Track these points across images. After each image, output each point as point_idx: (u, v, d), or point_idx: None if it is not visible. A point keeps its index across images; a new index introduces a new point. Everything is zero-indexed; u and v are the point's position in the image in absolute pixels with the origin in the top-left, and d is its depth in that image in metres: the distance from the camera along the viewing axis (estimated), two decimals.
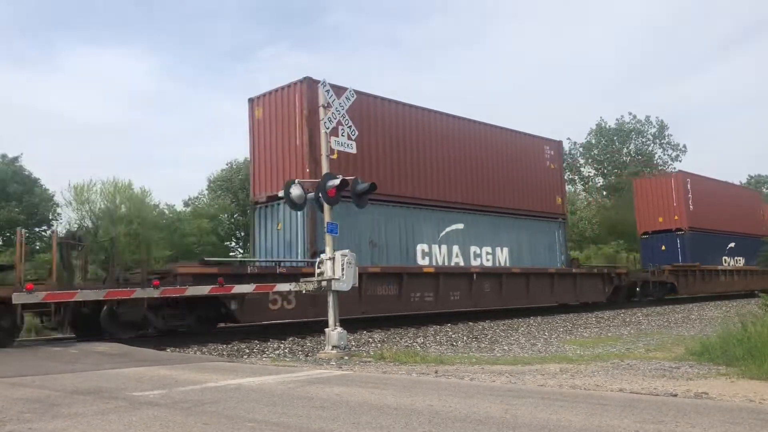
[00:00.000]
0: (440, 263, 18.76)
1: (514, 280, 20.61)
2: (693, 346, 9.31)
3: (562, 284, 22.61)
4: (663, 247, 30.38)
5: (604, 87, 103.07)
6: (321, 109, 11.45)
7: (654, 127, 58.99)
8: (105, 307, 12.42)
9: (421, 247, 18.33)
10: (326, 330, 10.77)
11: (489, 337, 14.89)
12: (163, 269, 14.22)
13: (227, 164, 54.37)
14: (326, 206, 11.13)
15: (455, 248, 19.33)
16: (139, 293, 11.87)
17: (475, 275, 19.27)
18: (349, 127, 11.75)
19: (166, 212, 44.28)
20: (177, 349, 11.70)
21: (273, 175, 16.97)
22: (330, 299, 10.82)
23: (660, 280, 27.55)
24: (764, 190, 61.81)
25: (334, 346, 10.47)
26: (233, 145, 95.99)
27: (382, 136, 17.72)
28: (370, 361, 9.46)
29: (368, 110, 17.30)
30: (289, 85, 16.79)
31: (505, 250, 20.93)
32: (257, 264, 15.12)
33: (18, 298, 10.40)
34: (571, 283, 23.10)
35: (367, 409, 4.89)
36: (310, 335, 13.87)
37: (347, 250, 10.92)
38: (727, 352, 8.00)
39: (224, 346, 12.44)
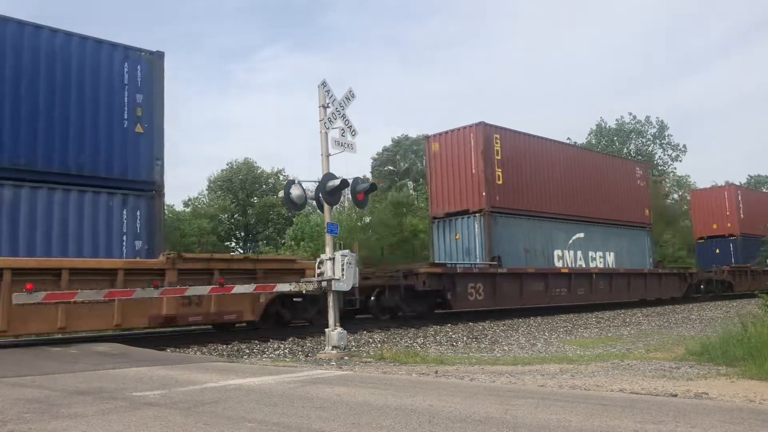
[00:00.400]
0: (570, 265, 23.60)
1: (619, 278, 25.43)
2: (693, 346, 9.31)
3: (652, 282, 27.38)
4: (717, 251, 34.90)
5: (604, 87, 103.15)
6: (321, 110, 11.44)
7: (654, 127, 59.08)
8: (372, 297, 17.17)
9: (557, 252, 23.24)
10: (326, 330, 10.77)
11: (489, 337, 14.88)
12: (407, 268, 18.50)
13: (227, 164, 54.36)
14: (326, 206, 11.13)
15: (579, 253, 24.25)
16: (138, 293, 11.87)
17: (594, 275, 24.09)
18: (350, 127, 11.72)
19: (166, 212, 44.29)
20: (177, 349, 11.70)
21: (450, 196, 21.87)
22: (330, 299, 10.82)
23: (721, 279, 31.66)
24: (764, 189, 61.78)
25: (334, 347, 10.47)
26: (233, 145, 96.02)
27: (528, 165, 22.57)
28: (370, 362, 9.46)
29: (518, 145, 22.33)
30: (464, 128, 21.71)
31: (612, 254, 25.86)
32: (460, 265, 19.85)
33: (17, 299, 10.39)
34: (657, 281, 27.80)
35: (367, 410, 4.88)
36: (310, 335, 13.88)
37: (347, 251, 10.93)
38: (727, 352, 8.00)
39: (224, 346, 12.43)
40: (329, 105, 11.41)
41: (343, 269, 10.59)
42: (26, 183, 11.96)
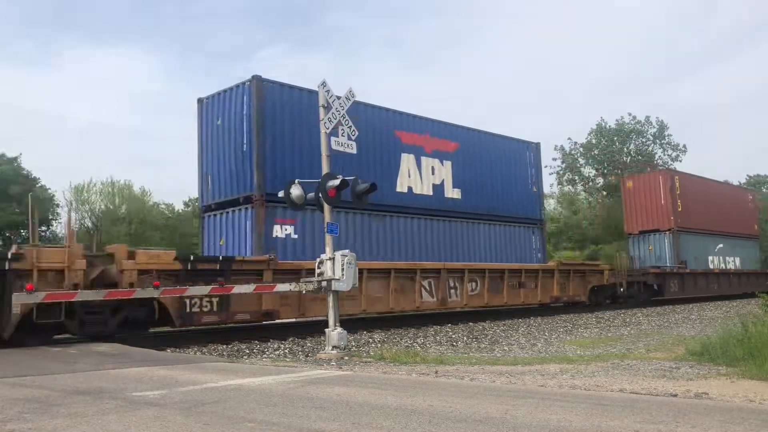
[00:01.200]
0: (717, 267, 33.28)
1: (744, 277, 35.49)
2: (693, 346, 9.31)
3: (763, 279, 36.30)
4: None
5: (604, 87, 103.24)
6: (321, 110, 11.43)
7: (654, 127, 58.92)
8: (622, 289, 25.20)
9: (709, 258, 32.82)
10: (326, 330, 10.76)
11: (489, 337, 14.88)
12: (643, 270, 27.59)
13: None
14: (326, 206, 11.11)
15: (720, 258, 33.87)
16: (139, 293, 11.87)
17: (731, 275, 34.20)
18: (349, 127, 11.69)
19: (166, 212, 44.32)
20: (177, 349, 11.70)
21: (642, 219, 31.89)
22: (330, 299, 10.81)
23: None
24: (764, 189, 61.69)
25: (334, 347, 10.46)
26: None
27: (692, 195, 32.26)
28: (370, 362, 9.46)
29: (687, 182, 32.62)
30: (653, 172, 34.32)
31: (738, 259, 35.64)
32: (667, 267, 29.60)
33: (17, 299, 10.42)
34: (765, 278, 36.65)
35: (367, 410, 4.88)
36: (310, 335, 13.87)
37: (347, 250, 10.91)
38: (728, 352, 8.00)
39: (224, 346, 12.43)
40: (329, 105, 11.40)
41: (343, 269, 10.59)
42: (489, 222, 21.66)
